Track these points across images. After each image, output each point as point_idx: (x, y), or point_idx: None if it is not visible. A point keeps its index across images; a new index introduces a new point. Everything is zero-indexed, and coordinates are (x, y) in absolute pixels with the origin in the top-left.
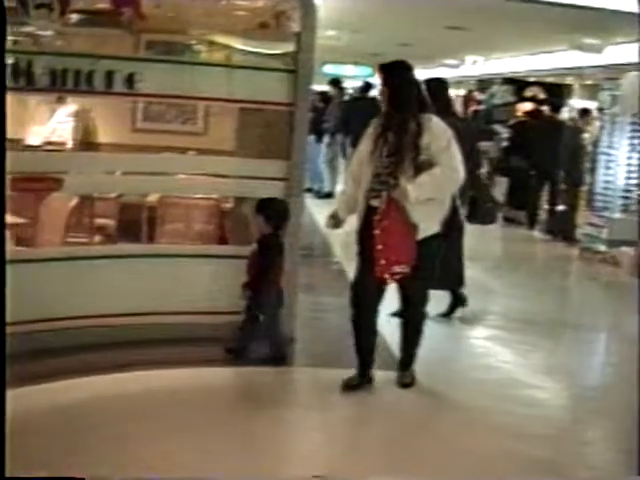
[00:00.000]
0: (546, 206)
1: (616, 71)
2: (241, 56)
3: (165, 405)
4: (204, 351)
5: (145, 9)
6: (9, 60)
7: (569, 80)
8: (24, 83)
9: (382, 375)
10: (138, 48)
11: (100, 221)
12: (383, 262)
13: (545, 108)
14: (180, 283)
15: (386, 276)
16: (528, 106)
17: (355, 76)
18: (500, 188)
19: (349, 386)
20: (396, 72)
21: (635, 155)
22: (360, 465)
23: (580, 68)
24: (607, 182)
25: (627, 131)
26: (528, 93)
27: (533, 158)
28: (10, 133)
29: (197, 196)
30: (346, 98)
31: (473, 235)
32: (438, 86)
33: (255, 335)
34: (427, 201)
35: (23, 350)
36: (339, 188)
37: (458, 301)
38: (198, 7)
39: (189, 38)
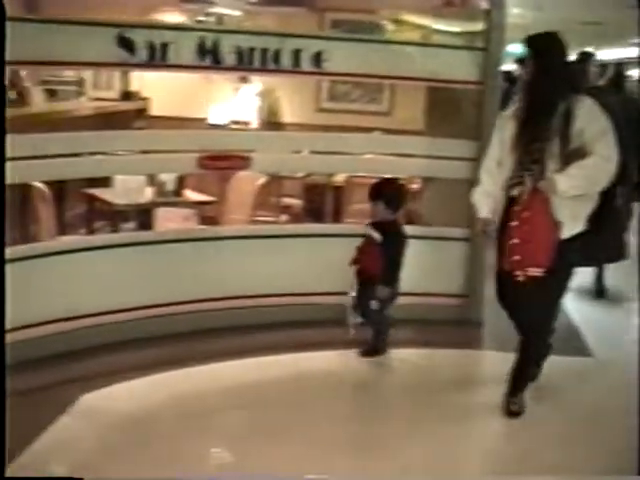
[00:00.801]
0: None
1: None
2: (428, 34)
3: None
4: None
5: None
6: (195, 40)
7: None
8: (210, 62)
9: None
10: (323, 27)
11: (287, 200)
12: (517, 258)
13: None
14: None
15: (518, 274)
16: None
17: None
18: None
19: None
20: (546, 46)
21: None
22: None
23: None
24: None
25: None
26: None
27: None
28: (194, 112)
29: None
30: None
31: None
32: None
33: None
34: (576, 195)
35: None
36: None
37: None
38: None
39: (375, 17)
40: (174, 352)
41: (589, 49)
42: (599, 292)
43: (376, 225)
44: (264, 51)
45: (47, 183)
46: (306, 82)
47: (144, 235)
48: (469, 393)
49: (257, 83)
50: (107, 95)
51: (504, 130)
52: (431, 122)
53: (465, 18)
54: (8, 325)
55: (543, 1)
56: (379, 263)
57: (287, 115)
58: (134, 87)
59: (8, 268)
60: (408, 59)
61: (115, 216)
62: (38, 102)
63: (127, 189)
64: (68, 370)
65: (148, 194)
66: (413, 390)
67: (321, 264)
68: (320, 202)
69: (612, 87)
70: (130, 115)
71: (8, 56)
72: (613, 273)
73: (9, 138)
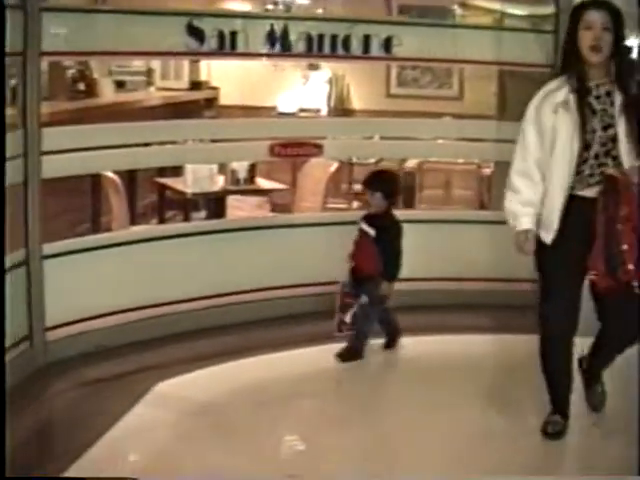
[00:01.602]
0: None
1: None
2: (497, 18)
3: None
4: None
5: None
6: (264, 27)
7: None
8: (280, 49)
9: None
10: (391, 12)
11: (358, 187)
12: (630, 267)
13: None
14: (439, 249)
15: (635, 284)
16: None
17: None
18: None
19: (553, 433)
20: (615, 11)
21: None
22: None
23: None
24: None
25: None
26: None
27: None
28: (263, 101)
29: (457, 161)
30: None
31: None
32: None
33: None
34: None
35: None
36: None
37: None
38: None
39: (443, 1)
40: (247, 340)
41: None
42: None
43: (369, 218)
44: (333, 37)
45: (118, 173)
46: (375, 68)
47: (216, 223)
48: None
49: (326, 70)
50: (176, 85)
51: (546, 118)
52: (502, 106)
53: (534, 1)
54: (85, 314)
55: None
56: (375, 259)
57: (356, 101)
58: (203, 77)
59: (83, 257)
60: (477, 43)
61: (186, 205)
62: (107, 93)
63: (198, 178)
64: (143, 359)
65: (220, 183)
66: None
67: None
68: None
69: None
70: (199, 105)
71: (78, 47)
72: None
73: (80, 128)
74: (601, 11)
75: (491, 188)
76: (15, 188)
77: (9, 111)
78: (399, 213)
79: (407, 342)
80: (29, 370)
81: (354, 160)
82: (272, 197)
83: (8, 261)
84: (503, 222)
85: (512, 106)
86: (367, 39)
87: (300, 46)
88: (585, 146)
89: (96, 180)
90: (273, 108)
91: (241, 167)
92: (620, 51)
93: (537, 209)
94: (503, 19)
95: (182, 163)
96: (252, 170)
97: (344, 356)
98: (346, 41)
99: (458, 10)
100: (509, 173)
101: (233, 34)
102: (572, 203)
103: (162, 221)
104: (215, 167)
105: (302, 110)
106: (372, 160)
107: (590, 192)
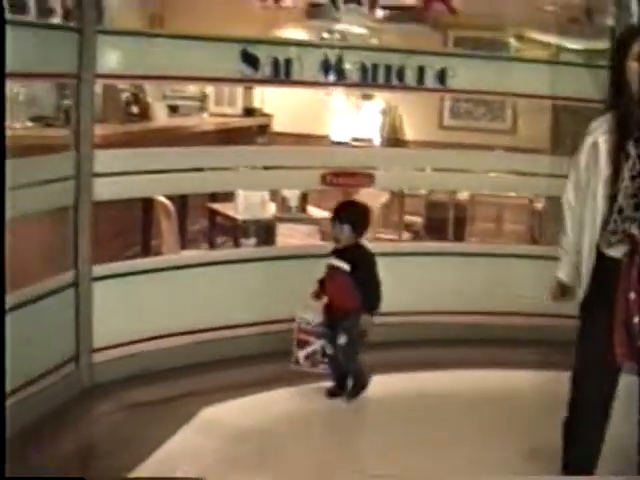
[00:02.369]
0: None
1: None
2: (552, 51)
3: None
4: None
5: (456, 4)
6: (319, 56)
7: None
8: (334, 78)
9: None
10: (446, 44)
11: (409, 218)
12: None
13: None
14: (491, 283)
15: None
16: None
17: None
18: None
19: None
20: None
21: None
22: None
23: None
24: None
25: None
26: None
27: None
28: (316, 129)
29: (508, 195)
30: None
31: None
32: None
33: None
34: None
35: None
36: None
37: None
38: (508, 2)
39: (498, 34)
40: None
41: None
42: None
43: (341, 253)
44: (388, 68)
45: (170, 197)
46: (428, 99)
47: (266, 250)
48: None
49: (379, 100)
50: (229, 111)
51: (580, 160)
52: (556, 141)
53: (590, 36)
54: (132, 337)
55: None
56: (353, 294)
57: (409, 132)
58: (256, 103)
59: (133, 280)
60: (532, 77)
61: (237, 231)
62: (160, 117)
63: (250, 204)
64: (188, 384)
65: (271, 210)
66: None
67: (442, 283)
68: (442, 220)
69: None
70: (252, 131)
71: (133, 70)
72: None
73: (133, 152)
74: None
75: (542, 223)
76: (66, 210)
77: (62, 132)
78: (449, 245)
79: (460, 376)
80: (74, 391)
81: (405, 191)
82: (322, 226)
83: (57, 282)
84: (554, 258)
85: (565, 141)
86: (421, 70)
87: (354, 75)
88: (612, 197)
89: (147, 203)
90: (325, 137)
91: (292, 195)
92: None
93: (576, 258)
94: (558, 53)
95: (234, 189)
96: (303, 198)
97: (331, 393)
98: (400, 72)
99: (513, 43)
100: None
101: (288, 61)
102: (600, 262)
103: (212, 246)
104: (267, 194)
105: (354, 139)
106: (423, 191)
107: (616, 252)
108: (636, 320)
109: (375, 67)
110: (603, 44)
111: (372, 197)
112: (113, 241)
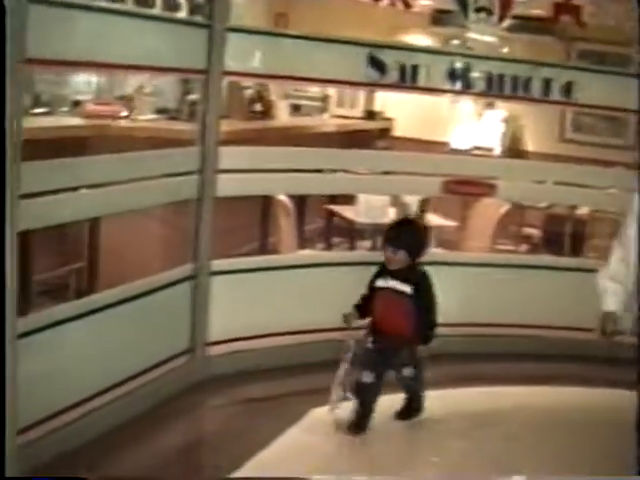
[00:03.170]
0: None
1: None
2: None
3: None
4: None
5: (585, 17)
6: (446, 63)
7: None
8: (461, 86)
9: None
10: (570, 56)
11: (527, 230)
12: None
13: None
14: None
15: None
16: None
17: None
18: None
19: None
20: None
21: None
22: None
23: None
24: None
25: None
26: None
27: None
28: (437, 135)
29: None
30: None
31: None
32: None
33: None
34: None
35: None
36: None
37: None
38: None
39: (624, 49)
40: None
41: None
42: None
43: (397, 274)
44: (514, 78)
45: (290, 196)
46: (550, 112)
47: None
48: None
49: (501, 109)
50: (351, 113)
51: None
52: None
53: None
54: (247, 332)
55: None
56: (413, 320)
57: (530, 143)
58: (378, 107)
59: (251, 276)
60: None
61: (353, 234)
62: (282, 116)
63: (370, 208)
64: (299, 382)
65: (390, 215)
66: None
67: (557, 297)
68: (559, 234)
69: None
70: (373, 134)
71: (259, 69)
72: None
73: (256, 150)
74: None
75: None
76: (189, 204)
77: (187, 126)
78: (565, 261)
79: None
80: (187, 383)
81: (524, 203)
82: (440, 233)
83: (175, 274)
84: None
85: None
86: (547, 82)
87: (480, 84)
88: None
89: (267, 201)
90: (445, 143)
91: (412, 201)
92: None
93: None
94: None
95: (355, 192)
96: (423, 204)
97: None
98: (527, 83)
99: (638, 58)
100: None
101: (415, 67)
102: None
103: (329, 247)
104: (387, 199)
105: (475, 148)
106: (543, 204)
107: None
108: None
109: (501, 77)
110: None
111: (492, 207)
112: (231, 236)
